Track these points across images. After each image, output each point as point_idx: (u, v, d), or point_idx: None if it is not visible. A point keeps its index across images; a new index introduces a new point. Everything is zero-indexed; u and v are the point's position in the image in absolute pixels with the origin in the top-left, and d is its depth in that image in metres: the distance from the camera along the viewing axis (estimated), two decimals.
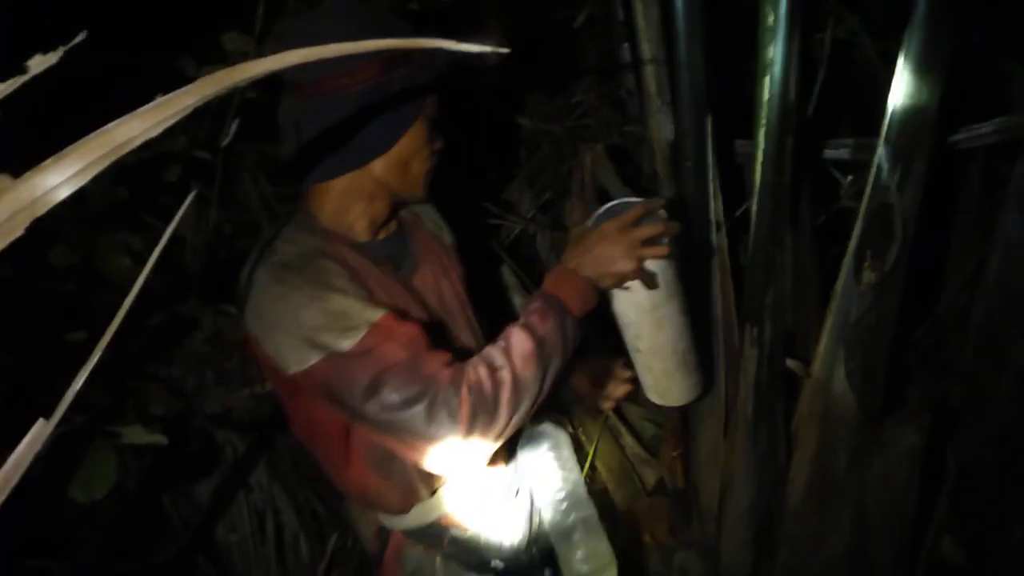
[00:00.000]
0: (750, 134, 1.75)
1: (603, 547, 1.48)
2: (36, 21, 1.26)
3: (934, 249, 1.94)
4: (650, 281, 1.19)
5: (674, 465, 1.89)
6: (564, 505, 1.48)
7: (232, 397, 2.22)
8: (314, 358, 1.06)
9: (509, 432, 1.11)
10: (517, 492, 1.45)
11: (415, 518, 1.32)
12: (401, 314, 1.14)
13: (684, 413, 1.88)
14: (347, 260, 1.16)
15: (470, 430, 1.05)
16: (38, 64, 0.56)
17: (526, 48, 2.39)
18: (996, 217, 1.77)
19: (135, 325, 1.79)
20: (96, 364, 0.60)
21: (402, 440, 1.09)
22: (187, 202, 0.80)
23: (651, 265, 1.20)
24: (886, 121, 1.42)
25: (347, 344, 1.06)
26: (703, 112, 1.65)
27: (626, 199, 1.27)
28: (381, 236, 1.27)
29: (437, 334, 1.22)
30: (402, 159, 1.17)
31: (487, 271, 2.16)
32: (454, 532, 1.34)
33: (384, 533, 1.37)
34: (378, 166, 1.17)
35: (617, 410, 2.28)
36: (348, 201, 1.19)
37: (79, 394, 0.55)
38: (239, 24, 1.67)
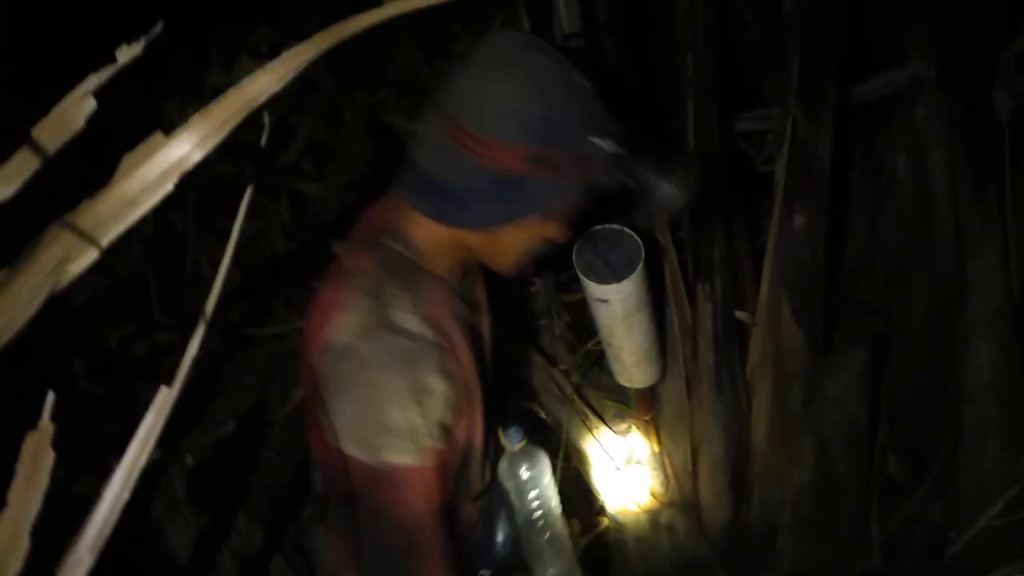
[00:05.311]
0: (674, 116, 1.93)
1: (570, 563, 1.57)
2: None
3: (843, 197, 2.17)
4: None
5: (648, 428, 2.01)
6: (539, 524, 1.55)
7: (198, 443, 2.17)
8: (358, 453, 1.03)
9: None
10: (500, 512, 1.51)
11: None
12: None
13: None
14: (443, 325, 1.10)
15: None
16: (125, 55, 0.61)
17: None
18: (890, 162, 2.01)
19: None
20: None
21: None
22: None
23: (627, 285, 1.37)
24: (794, 80, 1.62)
25: (397, 459, 1.02)
26: (630, 90, 1.81)
27: (608, 226, 1.42)
28: (463, 279, 1.23)
29: (483, 381, 1.21)
30: (497, 239, 1.10)
31: None
32: None
33: None
34: (473, 234, 1.10)
35: (580, 395, 2.38)
36: (445, 246, 1.12)
37: None
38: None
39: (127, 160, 0.57)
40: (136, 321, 1.78)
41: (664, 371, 1.83)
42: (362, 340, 1.01)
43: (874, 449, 2.08)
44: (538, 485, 1.53)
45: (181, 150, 0.58)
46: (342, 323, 1.02)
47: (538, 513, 1.53)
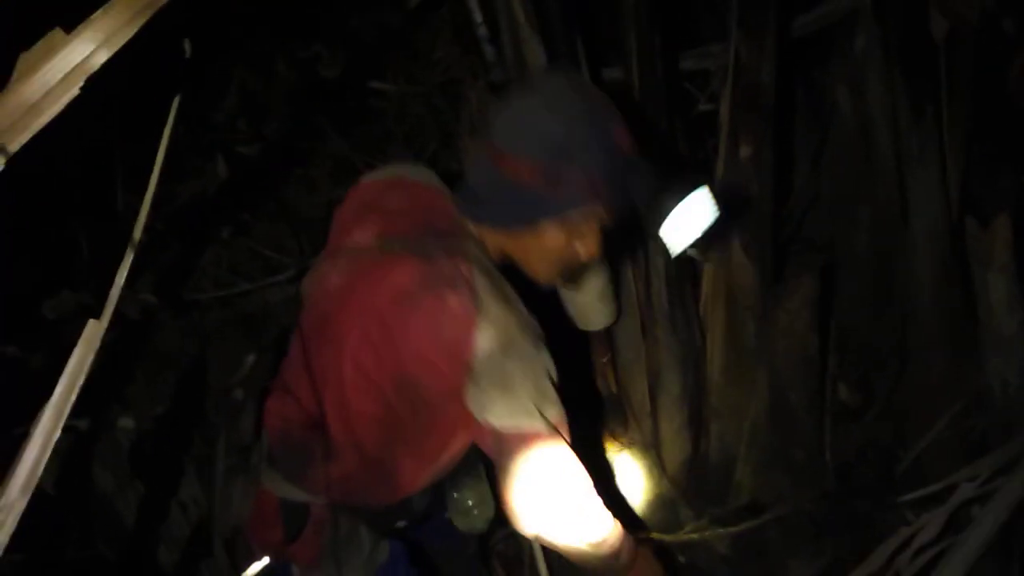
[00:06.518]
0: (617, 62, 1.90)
1: (484, 488, 1.56)
2: None
3: (786, 131, 2.18)
4: None
5: (605, 370, 2.01)
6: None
7: (144, 414, 2.11)
8: (527, 423, 1.16)
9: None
10: None
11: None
12: None
13: None
14: None
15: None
16: None
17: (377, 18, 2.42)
18: (830, 92, 2.02)
19: None
20: None
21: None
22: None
23: None
24: (735, 10, 1.60)
25: (554, 415, 1.18)
26: (573, 35, 1.77)
27: None
28: None
29: None
30: (525, 246, 1.22)
31: None
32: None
33: (295, 508, 1.39)
34: (501, 236, 1.22)
35: None
36: (496, 250, 1.24)
37: None
38: None
39: (25, 60, 0.52)
40: (66, 285, 1.69)
41: (618, 312, 1.81)
42: (519, 337, 1.14)
43: (825, 377, 2.13)
44: None
45: (84, 49, 0.53)
46: (492, 332, 1.14)
47: None
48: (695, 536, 2.03)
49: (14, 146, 0.53)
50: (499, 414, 1.16)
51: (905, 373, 2.07)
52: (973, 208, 1.76)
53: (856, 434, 2.18)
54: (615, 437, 2.14)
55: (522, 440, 1.17)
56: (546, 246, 1.20)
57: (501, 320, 1.14)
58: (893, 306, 2.11)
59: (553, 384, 1.18)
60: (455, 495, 1.50)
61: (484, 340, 1.13)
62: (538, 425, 1.16)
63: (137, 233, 0.60)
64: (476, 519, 1.51)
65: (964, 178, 1.80)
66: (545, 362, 1.17)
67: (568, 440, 1.21)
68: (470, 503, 1.52)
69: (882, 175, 1.94)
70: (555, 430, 1.18)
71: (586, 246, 1.21)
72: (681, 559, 2.06)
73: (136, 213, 2.07)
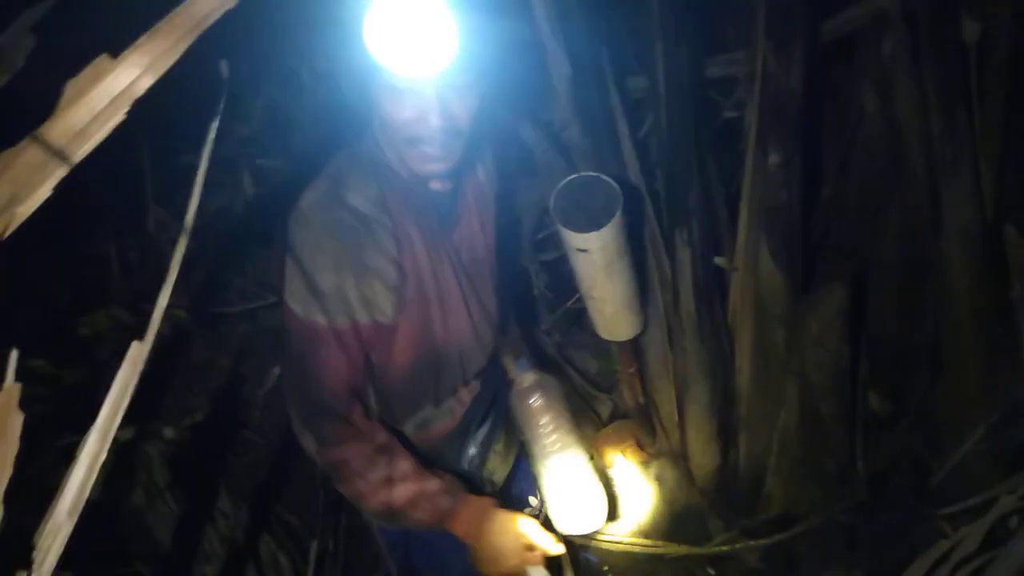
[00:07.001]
0: (642, 70, 1.89)
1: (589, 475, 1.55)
2: None
3: (814, 137, 2.15)
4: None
5: (633, 381, 1.99)
6: (554, 447, 1.55)
7: (176, 427, 2.12)
8: (296, 307, 1.19)
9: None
10: (477, 432, 1.56)
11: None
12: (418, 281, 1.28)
13: None
14: (401, 219, 1.24)
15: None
16: None
17: None
18: (858, 98, 2.00)
19: None
20: None
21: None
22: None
23: (607, 232, 1.38)
24: (762, 16, 1.59)
25: (321, 320, 1.18)
26: (597, 46, 1.77)
27: (584, 174, 1.43)
28: (436, 187, 1.32)
29: (460, 293, 1.37)
30: (383, 128, 1.21)
31: None
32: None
33: None
34: (379, 128, 1.24)
35: (565, 356, 2.37)
36: (391, 149, 1.25)
37: None
38: None
39: (72, 87, 0.52)
40: (98, 301, 1.71)
41: (645, 322, 1.80)
42: (313, 209, 1.18)
43: (856, 386, 2.09)
44: (550, 411, 1.53)
45: (130, 74, 0.54)
46: (304, 196, 1.20)
47: (552, 437, 1.52)
48: (725, 548, 2.01)
49: (75, 158, 0.54)
50: (286, 289, 1.18)
51: (938, 382, 2.03)
52: (1010, 215, 1.73)
53: (889, 444, 2.15)
54: (644, 448, 2.13)
55: (286, 318, 1.19)
56: (389, 120, 1.17)
57: (320, 197, 1.18)
58: (925, 314, 2.08)
59: (332, 293, 1.17)
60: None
61: (299, 204, 1.19)
62: (296, 309, 1.17)
63: (178, 257, 0.61)
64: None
65: (999, 184, 1.77)
66: (331, 262, 1.16)
67: (339, 367, 1.20)
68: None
69: (913, 181, 1.91)
70: (316, 330, 1.17)
71: (419, 111, 1.14)
72: (711, 572, 2.04)
73: (165, 228, 2.09)
